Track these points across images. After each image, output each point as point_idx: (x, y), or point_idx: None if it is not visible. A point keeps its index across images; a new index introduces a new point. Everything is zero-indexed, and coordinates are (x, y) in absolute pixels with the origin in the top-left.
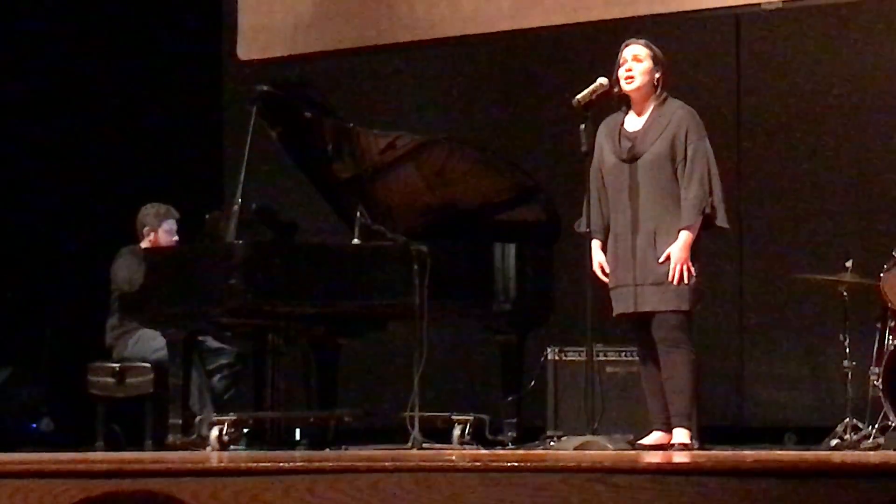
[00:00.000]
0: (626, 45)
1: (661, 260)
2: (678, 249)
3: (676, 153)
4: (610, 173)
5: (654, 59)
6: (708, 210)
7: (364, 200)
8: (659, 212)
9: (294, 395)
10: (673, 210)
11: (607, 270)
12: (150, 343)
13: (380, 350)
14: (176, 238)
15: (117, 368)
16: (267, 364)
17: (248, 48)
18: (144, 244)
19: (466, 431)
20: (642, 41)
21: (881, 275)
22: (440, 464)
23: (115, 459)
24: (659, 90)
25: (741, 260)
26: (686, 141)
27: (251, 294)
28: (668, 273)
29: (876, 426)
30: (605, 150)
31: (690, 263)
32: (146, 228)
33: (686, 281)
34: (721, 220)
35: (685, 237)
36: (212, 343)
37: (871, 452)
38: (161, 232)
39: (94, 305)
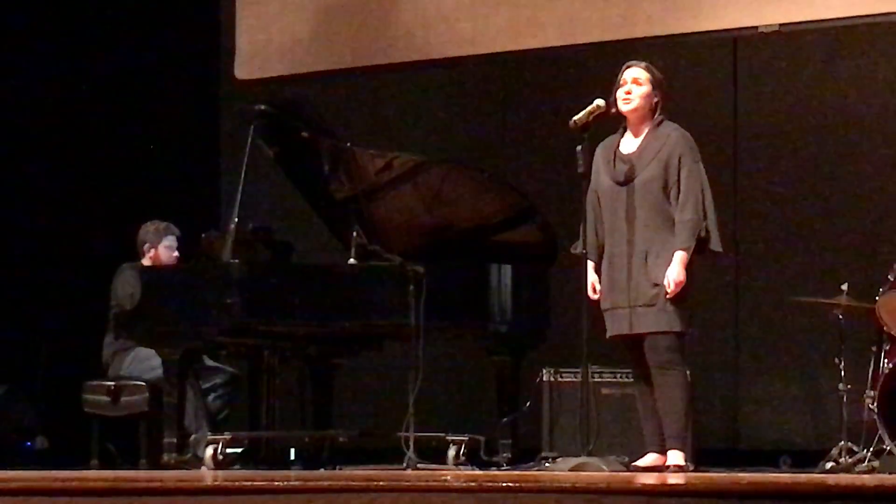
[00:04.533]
0: (627, 67)
1: (667, 291)
2: (675, 271)
3: (670, 176)
4: (605, 195)
5: (654, 82)
6: (702, 234)
7: (360, 220)
8: (652, 234)
9: (289, 415)
10: (666, 233)
11: (598, 290)
12: (146, 362)
13: (375, 370)
14: (176, 254)
15: (112, 387)
16: (262, 383)
17: (246, 68)
18: (145, 261)
19: (461, 452)
20: (643, 64)
21: (876, 298)
22: (435, 484)
23: (110, 478)
24: (656, 113)
25: (737, 282)
26: (680, 165)
27: (247, 313)
28: (659, 294)
29: (871, 449)
30: (601, 173)
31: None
32: (146, 245)
33: (678, 303)
34: (715, 245)
35: (681, 257)
36: (207, 362)
37: (866, 476)
38: (161, 248)
39: (90, 323)
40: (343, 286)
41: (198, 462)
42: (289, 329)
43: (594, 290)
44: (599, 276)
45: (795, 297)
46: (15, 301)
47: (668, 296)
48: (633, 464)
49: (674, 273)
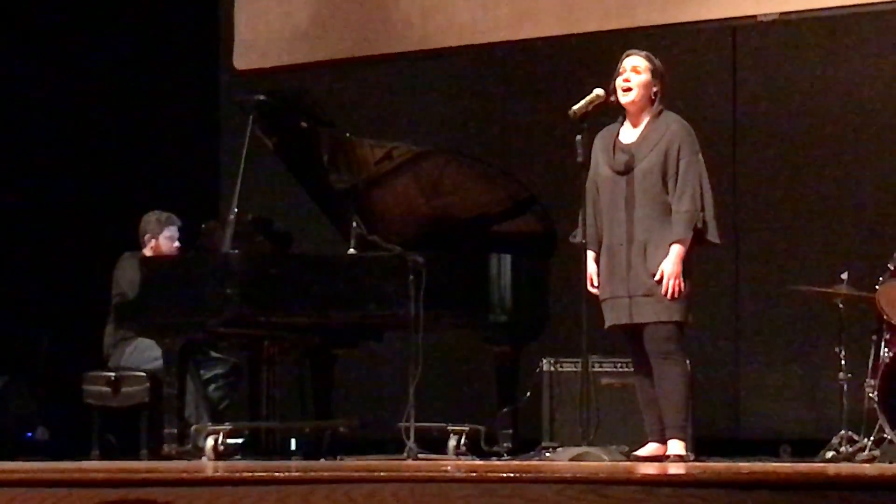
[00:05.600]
0: (627, 56)
1: (656, 277)
2: (670, 264)
3: (668, 167)
4: (604, 185)
5: (653, 72)
6: (699, 225)
7: (360, 210)
8: (651, 224)
9: (289, 406)
10: (664, 223)
11: (596, 283)
12: (146, 352)
13: (375, 360)
14: (177, 245)
15: (113, 377)
16: (262, 374)
17: (245, 58)
18: (146, 251)
19: (462, 442)
20: (643, 53)
21: (877, 287)
22: (436, 474)
23: (110, 469)
24: (655, 103)
25: (737, 271)
26: (679, 155)
27: (247, 304)
28: (658, 285)
29: (871, 438)
30: (600, 162)
31: (682, 278)
32: (147, 236)
33: (677, 296)
34: (712, 236)
35: (677, 251)
36: (207, 353)
37: (867, 465)
38: (162, 239)
39: (90, 314)
40: (342, 276)
41: (198, 453)
42: (289, 319)
43: (592, 283)
44: (599, 266)
45: (795, 286)
46: (15, 292)
47: (663, 290)
48: (634, 453)
49: (668, 266)
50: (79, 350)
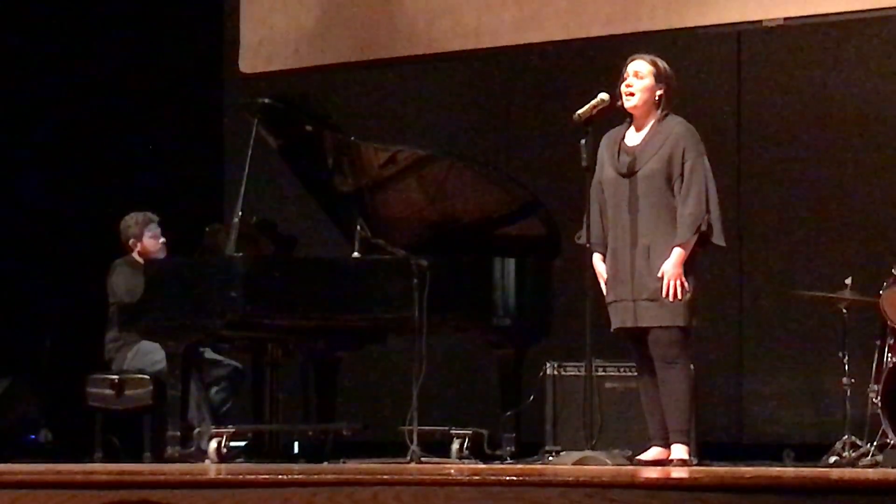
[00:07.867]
0: (631, 60)
1: (657, 276)
2: (671, 266)
3: (674, 170)
4: (609, 187)
5: (657, 76)
6: (704, 228)
7: (364, 214)
8: (655, 227)
9: (293, 408)
10: (669, 226)
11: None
12: (148, 356)
13: (379, 364)
14: (163, 240)
15: (116, 380)
16: (265, 377)
17: (251, 61)
18: (135, 255)
19: (465, 446)
20: (647, 57)
21: (880, 292)
22: (439, 478)
23: (114, 471)
24: (661, 107)
25: (741, 276)
26: (683, 158)
27: (251, 307)
28: (662, 289)
29: (874, 444)
30: (605, 164)
31: (685, 279)
32: (132, 240)
33: (679, 297)
34: (717, 238)
35: (678, 254)
36: (210, 355)
37: (870, 470)
38: (146, 239)
39: (93, 317)
40: (347, 280)
41: (201, 455)
42: (292, 322)
43: (604, 281)
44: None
45: (799, 291)
46: (18, 294)
47: (663, 291)
48: (637, 458)
49: (669, 267)
50: (82, 352)
